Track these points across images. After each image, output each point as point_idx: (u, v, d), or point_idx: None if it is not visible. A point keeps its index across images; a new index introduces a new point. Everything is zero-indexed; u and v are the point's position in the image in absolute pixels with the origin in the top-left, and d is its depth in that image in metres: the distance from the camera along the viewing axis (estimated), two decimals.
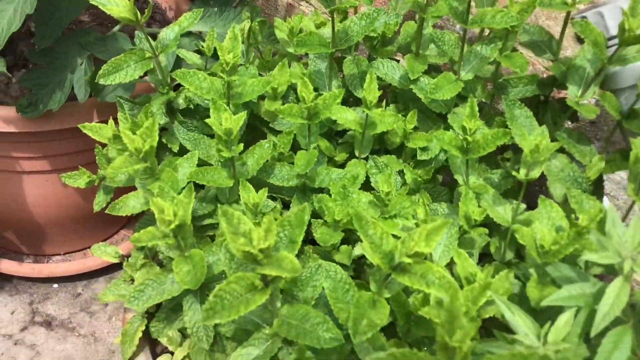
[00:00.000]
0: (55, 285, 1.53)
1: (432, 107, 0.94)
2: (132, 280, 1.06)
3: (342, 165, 1.02)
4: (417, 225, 0.79)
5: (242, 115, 0.81)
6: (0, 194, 1.36)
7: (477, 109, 0.81)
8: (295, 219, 0.59)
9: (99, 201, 0.96)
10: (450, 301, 0.47)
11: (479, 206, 0.83)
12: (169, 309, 0.84)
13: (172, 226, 0.63)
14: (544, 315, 0.71)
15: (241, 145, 0.82)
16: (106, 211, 0.84)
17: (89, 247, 1.58)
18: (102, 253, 1.05)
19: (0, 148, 1.25)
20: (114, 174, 0.87)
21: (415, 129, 0.95)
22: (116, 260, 1.04)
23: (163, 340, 0.92)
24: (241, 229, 0.55)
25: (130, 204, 0.83)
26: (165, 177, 0.80)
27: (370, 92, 0.88)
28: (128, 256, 1.07)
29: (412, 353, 0.49)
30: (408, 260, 0.56)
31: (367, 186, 0.95)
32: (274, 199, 0.98)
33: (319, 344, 0.61)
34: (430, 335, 0.72)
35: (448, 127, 0.95)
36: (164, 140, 0.96)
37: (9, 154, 1.26)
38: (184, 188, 0.80)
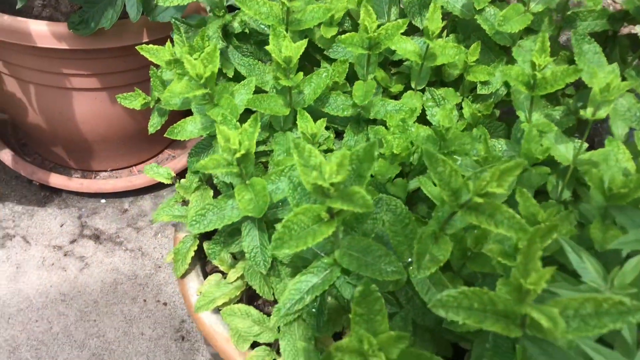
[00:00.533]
0: (103, 201, 1.57)
1: (495, 39, 0.91)
2: (184, 201, 1.08)
3: (396, 97, 1.00)
4: (477, 162, 0.78)
5: (303, 44, 0.79)
6: (50, 110, 1.38)
7: (548, 44, 0.78)
8: (364, 154, 0.58)
9: (154, 123, 0.96)
10: (527, 244, 0.47)
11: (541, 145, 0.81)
12: (227, 233, 0.86)
13: (238, 155, 0.63)
14: (601, 257, 0.71)
15: (300, 74, 0.81)
16: (165, 135, 0.84)
17: (134, 165, 1.62)
18: (155, 174, 1.06)
19: (51, 64, 1.26)
20: (172, 97, 0.87)
21: (476, 61, 0.93)
22: (168, 182, 1.06)
23: (214, 261, 0.95)
24: (312, 162, 0.55)
25: (188, 129, 0.84)
26: (224, 104, 0.79)
27: (433, 22, 0.85)
28: (178, 177, 1.09)
29: (483, 292, 0.50)
30: (479, 199, 0.56)
31: (421, 119, 0.94)
32: (327, 128, 0.98)
33: (381, 277, 0.63)
34: (486, 271, 0.73)
35: (511, 61, 0.92)
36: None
37: (59, 70, 1.27)
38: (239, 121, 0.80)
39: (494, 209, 0.58)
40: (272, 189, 0.75)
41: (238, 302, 0.95)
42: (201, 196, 0.93)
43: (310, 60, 1.04)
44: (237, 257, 0.96)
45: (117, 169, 1.61)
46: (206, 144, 0.91)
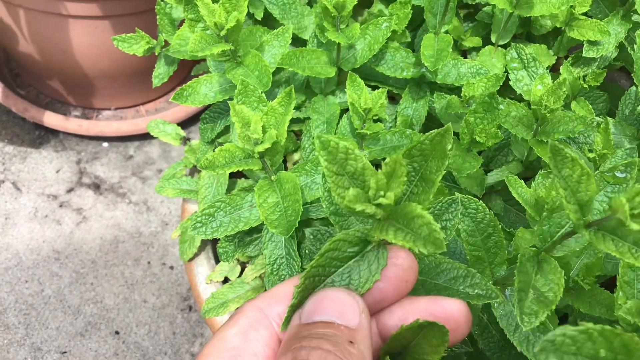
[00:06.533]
0: (105, 144, 1.38)
1: None
2: (194, 167, 0.88)
3: (465, 52, 0.79)
4: (592, 160, 0.57)
5: None
6: (44, 39, 1.17)
7: None
8: (432, 146, 0.36)
9: (160, 74, 0.76)
10: None
11: None
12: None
13: (260, 148, 0.43)
14: None
15: (356, 27, 0.59)
16: (170, 99, 0.64)
17: (142, 104, 1.42)
18: (160, 132, 0.86)
19: None
20: (183, 46, 0.66)
21: (585, 13, 0.70)
22: (177, 144, 0.86)
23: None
24: (349, 168, 0.34)
25: (202, 92, 0.63)
26: (250, 63, 0.58)
27: None
28: (189, 139, 0.89)
29: (616, 333, 0.31)
30: (631, 222, 0.35)
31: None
32: (376, 87, 0.77)
33: None
34: (596, 315, 0.54)
35: (626, 15, 0.70)
36: None
37: None
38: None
39: None
40: (305, 182, 0.55)
41: None
42: (215, 176, 0.73)
43: None
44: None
45: (122, 108, 1.40)
46: (224, 107, 0.70)
